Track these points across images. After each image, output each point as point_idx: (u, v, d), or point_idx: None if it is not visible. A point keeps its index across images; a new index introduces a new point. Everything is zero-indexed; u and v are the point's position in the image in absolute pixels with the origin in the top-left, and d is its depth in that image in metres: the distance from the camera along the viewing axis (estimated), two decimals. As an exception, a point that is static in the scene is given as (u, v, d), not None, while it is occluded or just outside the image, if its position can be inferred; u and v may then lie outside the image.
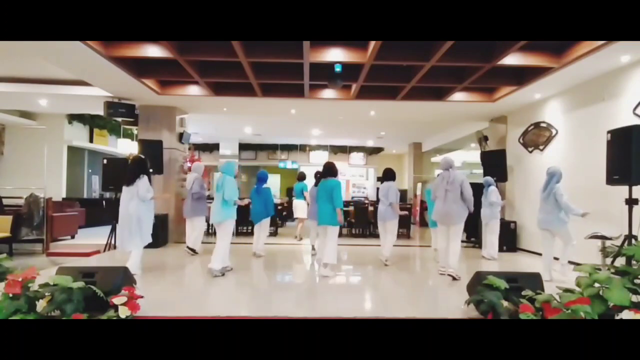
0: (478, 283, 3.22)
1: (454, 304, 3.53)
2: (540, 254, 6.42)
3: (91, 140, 10.37)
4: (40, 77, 6.42)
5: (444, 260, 4.63)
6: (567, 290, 2.71)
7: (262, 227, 5.94)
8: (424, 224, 11.83)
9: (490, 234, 6.08)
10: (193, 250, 5.97)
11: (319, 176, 5.15)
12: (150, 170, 6.87)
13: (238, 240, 7.20)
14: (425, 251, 7.02)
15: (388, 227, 5.49)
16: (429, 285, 4.59)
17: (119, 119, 7.13)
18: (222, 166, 4.79)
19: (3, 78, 6.49)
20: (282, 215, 9.95)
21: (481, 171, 7.60)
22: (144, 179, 4.45)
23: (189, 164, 7.75)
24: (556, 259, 4.77)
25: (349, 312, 3.28)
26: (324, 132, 11.13)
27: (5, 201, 6.96)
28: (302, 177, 7.54)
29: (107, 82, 5.99)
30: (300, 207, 7.58)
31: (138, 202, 4.41)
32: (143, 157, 4.81)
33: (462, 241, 5.89)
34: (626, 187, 3.99)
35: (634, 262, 2.86)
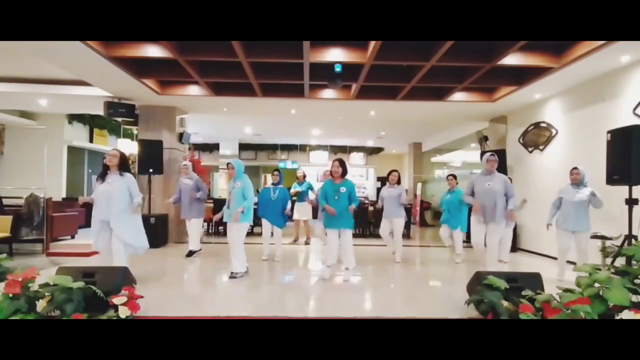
0: (478, 283, 3.22)
1: (454, 304, 3.53)
2: (541, 255, 6.45)
3: (91, 140, 10.37)
4: (40, 77, 6.42)
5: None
6: (567, 290, 2.71)
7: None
8: (424, 224, 11.85)
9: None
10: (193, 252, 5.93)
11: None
12: (150, 170, 6.91)
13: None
14: (425, 251, 7.01)
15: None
16: (429, 285, 4.59)
17: (119, 119, 7.13)
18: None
19: (3, 78, 6.48)
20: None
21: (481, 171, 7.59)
22: None
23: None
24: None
25: (349, 312, 3.28)
26: (324, 132, 11.13)
27: (5, 201, 6.95)
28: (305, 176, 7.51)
29: (107, 82, 5.99)
30: (306, 209, 7.33)
31: None
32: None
33: (464, 241, 5.90)
34: (626, 187, 3.99)
35: (634, 262, 2.86)
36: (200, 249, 6.05)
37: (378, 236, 6.01)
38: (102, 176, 3.95)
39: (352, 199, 4.45)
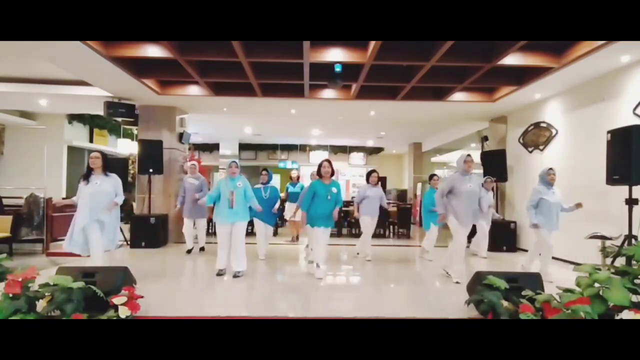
0: (478, 283, 3.22)
1: (454, 304, 3.53)
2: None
3: (91, 140, 10.36)
4: (40, 77, 6.41)
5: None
6: (567, 290, 2.71)
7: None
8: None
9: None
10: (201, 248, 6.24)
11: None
12: (150, 170, 6.90)
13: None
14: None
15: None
16: (428, 285, 4.58)
17: (119, 119, 7.12)
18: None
19: (3, 78, 6.48)
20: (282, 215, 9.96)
21: (481, 171, 7.61)
22: None
23: (188, 164, 7.74)
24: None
25: (349, 312, 3.28)
26: (324, 132, 11.12)
27: (5, 201, 6.95)
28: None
29: (107, 82, 5.99)
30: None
31: None
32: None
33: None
34: (626, 187, 3.99)
35: (634, 262, 2.86)
36: (192, 248, 6.18)
37: (377, 236, 6.03)
38: (87, 178, 4.01)
39: (338, 201, 4.58)
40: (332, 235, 5.56)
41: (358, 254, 6.01)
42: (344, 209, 8.65)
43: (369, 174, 5.91)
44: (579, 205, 4.44)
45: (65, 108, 8.42)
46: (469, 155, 4.35)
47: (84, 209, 3.93)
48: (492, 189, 6.30)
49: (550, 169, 4.57)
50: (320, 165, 4.54)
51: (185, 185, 6.06)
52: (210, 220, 8.69)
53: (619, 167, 3.97)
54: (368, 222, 5.77)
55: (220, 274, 4.57)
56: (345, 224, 9.02)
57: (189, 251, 6.09)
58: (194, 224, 6.23)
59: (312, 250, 4.71)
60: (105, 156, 4.15)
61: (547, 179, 4.53)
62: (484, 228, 6.07)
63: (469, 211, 4.28)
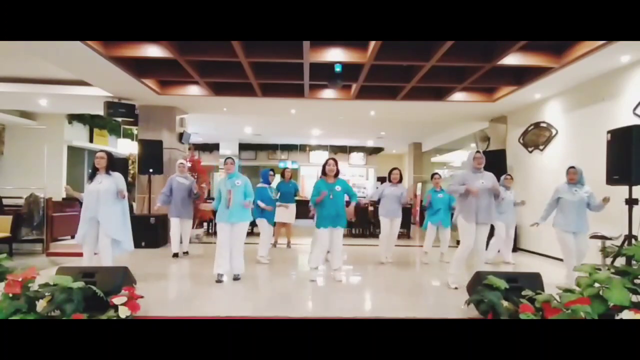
0: (478, 283, 3.22)
1: (454, 304, 3.53)
2: (541, 255, 6.45)
3: (91, 140, 10.36)
4: (40, 77, 6.41)
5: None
6: (567, 290, 2.71)
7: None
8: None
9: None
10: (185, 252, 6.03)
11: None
12: (150, 170, 6.88)
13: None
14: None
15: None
16: (429, 285, 4.59)
17: (119, 119, 7.14)
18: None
19: (3, 78, 6.48)
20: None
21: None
22: None
23: (188, 164, 7.74)
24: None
25: (348, 312, 3.28)
26: (324, 132, 11.13)
27: (5, 201, 6.95)
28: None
29: (107, 82, 5.99)
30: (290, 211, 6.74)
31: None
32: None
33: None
34: (626, 187, 3.99)
35: (634, 262, 2.86)
36: (178, 253, 5.92)
37: (376, 236, 5.97)
38: (91, 177, 4.15)
39: (351, 196, 4.52)
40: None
41: (382, 262, 5.58)
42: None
43: (390, 172, 5.60)
44: (605, 200, 4.10)
45: (65, 108, 8.42)
46: (478, 151, 4.16)
47: (83, 207, 4.10)
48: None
49: (571, 167, 4.35)
50: (325, 163, 4.46)
51: (172, 184, 5.84)
52: (210, 220, 8.69)
53: (619, 167, 3.97)
54: (386, 223, 5.50)
55: (219, 280, 4.32)
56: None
57: (175, 255, 5.79)
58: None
59: (310, 253, 4.62)
60: (111, 156, 4.20)
61: (567, 178, 4.34)
62: (501, 231, 5.55)
63: (481, 208, 4.01)
